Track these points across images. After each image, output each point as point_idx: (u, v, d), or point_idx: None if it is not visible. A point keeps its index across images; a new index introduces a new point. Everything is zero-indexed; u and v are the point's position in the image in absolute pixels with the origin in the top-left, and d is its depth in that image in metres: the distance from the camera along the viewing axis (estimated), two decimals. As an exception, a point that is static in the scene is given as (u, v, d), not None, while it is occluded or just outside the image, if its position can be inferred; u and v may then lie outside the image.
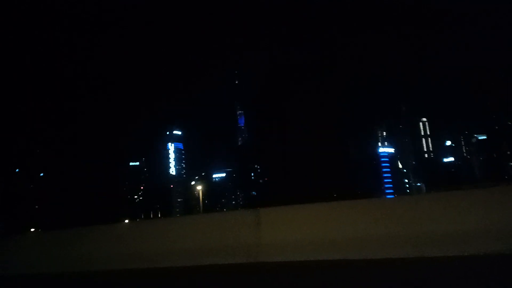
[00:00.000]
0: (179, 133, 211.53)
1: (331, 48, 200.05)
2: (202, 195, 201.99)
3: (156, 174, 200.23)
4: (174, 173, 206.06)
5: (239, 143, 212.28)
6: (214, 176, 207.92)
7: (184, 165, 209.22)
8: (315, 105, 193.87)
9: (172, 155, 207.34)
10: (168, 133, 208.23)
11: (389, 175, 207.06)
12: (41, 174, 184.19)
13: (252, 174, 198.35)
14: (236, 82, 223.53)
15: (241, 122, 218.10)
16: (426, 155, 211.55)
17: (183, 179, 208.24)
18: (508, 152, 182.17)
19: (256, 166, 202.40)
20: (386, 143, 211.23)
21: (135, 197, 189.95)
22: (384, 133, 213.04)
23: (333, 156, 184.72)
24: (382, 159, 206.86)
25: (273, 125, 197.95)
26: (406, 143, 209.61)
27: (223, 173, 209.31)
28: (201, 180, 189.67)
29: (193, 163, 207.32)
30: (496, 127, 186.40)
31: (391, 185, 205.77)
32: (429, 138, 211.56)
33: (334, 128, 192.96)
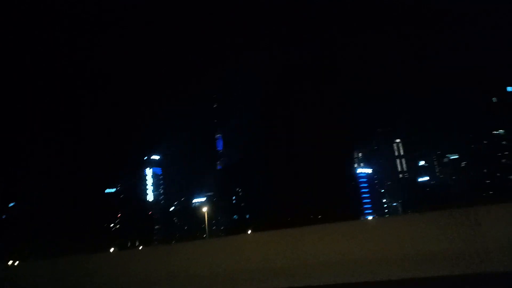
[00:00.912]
0: (157, 157, 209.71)
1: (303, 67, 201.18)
2: (180, 221, 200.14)
3: (134, 201, 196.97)
4: (152, 199, 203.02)
5: (218, 167, 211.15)
6: (194, 201, 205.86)
7: (162, 191, 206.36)
8: (299, 124, 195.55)
9: (149, 181, 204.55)
10: (146, 158, 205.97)
11: (368, 195, 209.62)
12: (11, 204, 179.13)
13: (234, 198, 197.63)
14: (215, 105, 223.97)
15: (219, 145, 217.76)
16: (401, 175, 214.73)
17: (161, 205, 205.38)
18: (485, 170, 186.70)
19: (238, 189, 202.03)
20: (362, 164, 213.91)
21: (112, 225, 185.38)
22: (360, 154, 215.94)
23: (313, 177, 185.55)
24: (361, 180, 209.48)
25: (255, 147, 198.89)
26: (381, 163, 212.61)
27: (203, 197, 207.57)
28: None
29: (172, 188, 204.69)
30: (472, 146, 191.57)
31: (370, 205, 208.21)
32: (403, 159, 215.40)
33: (314, 149, 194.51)
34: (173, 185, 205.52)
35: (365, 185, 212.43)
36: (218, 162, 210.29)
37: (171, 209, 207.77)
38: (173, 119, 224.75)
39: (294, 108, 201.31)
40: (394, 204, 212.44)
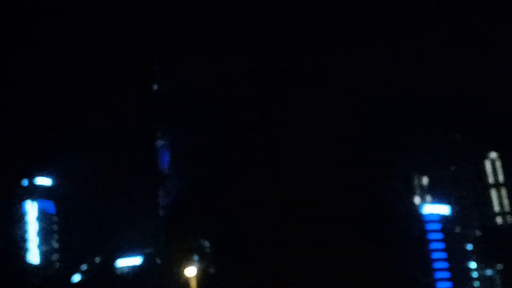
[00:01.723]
0: (48, 182, 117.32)
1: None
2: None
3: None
4: (36, 261, 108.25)
5: (163, 200, 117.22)
6: (120, 263, 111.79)
7: (58, 245, 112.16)
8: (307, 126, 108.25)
9: (33, 225, 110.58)
10: (25, 182, 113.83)
11: (445, 255, 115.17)
12: None
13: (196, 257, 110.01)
14: (156, 86, 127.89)
15: (164, 160, 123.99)
16: (500, 219, 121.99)
17: (55, 272, 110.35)
18: None
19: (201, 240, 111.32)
20: (429, 197, 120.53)
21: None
22: (424, 180, 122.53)
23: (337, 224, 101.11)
24: (430, 227, 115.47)
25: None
26: (465, 196, 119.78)
27: (136, 255, 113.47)
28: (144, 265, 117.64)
29: (77, 239, 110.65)
30: None
31: (445, 274, 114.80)
32: (503, 188, 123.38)
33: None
34: (77, 234, 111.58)
35: (437, 236, 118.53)
36: (160, 192, 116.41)
37: (76, 279, 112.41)
38: (77, 111, 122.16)
39: (280, 103, 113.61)
40: (488, 273, 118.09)
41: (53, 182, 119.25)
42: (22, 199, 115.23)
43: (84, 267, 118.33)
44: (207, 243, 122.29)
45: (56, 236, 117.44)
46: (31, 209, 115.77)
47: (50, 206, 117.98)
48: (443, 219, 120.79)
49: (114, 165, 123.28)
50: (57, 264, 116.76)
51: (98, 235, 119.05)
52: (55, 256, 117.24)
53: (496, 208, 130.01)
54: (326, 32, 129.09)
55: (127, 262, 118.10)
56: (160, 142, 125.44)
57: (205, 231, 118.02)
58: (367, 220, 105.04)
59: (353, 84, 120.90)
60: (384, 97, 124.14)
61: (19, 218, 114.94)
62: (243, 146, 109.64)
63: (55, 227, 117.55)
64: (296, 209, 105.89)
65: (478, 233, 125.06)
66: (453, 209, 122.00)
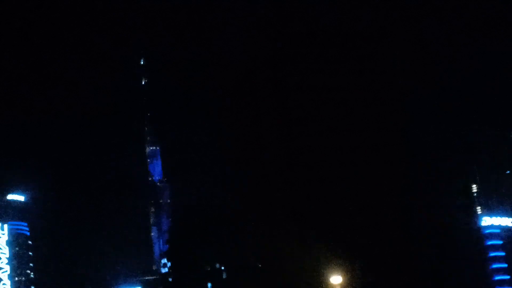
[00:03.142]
0: (21, 198, 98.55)
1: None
2: None
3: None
4: None
5: (158, 217, 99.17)
6: None
7: (32, 274, 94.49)
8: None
9: (4, 250, 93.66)
10: None
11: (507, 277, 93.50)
12: None
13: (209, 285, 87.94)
14: (144, 81, 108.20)
15: (154, 168, 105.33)
16: None
17: None
18: None
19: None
20: (484, 208, 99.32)
21: None
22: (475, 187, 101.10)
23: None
24: (490, 242, 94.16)
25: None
26: None
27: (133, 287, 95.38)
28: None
29: (54, 266, 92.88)
30: None
31: None
32: None
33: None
34: (58, 261, 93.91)
35: (501, 253, 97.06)
36: (153, 208, 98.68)
37: None
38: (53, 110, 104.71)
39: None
40: None
41: (26, 198, 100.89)
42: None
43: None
44: (222, 268, 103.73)
45: (31, 265, 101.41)
46: (1, 232, 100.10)
47: (23, 228, 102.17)
48: (506, 232, 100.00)
49: (99, 177, 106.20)
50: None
51: (83, 262, 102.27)
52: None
53: None
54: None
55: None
56: (150, 148, 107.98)
57: (219, 253, 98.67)
58: (425, 235, 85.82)
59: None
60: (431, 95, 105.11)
61: None
62: (258, 142, 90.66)
63: (28, 254, 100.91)
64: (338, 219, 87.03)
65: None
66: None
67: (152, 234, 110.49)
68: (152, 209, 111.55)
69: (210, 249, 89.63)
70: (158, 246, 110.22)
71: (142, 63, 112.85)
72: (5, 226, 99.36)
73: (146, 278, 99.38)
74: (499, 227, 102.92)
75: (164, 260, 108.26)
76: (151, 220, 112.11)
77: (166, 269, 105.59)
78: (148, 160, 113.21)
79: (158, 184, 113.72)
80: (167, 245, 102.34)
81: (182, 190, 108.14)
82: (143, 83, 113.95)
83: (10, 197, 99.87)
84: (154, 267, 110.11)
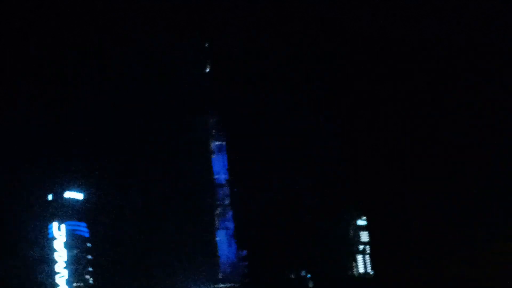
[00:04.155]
0: (79, 196, 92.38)
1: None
2: None
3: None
4: None
5: (229, 220, 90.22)
6: None
7: (92, 280, 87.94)
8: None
9: (61, 253, 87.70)
10: (51, 197, 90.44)
11: None
12: None
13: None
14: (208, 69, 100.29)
15: (218, 168, 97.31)
16: None
17: None
18: None
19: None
20: None
21: None
22: None
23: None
24: None
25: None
26: None
27: None
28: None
29: (119, 271, 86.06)
30: None
31: None
32: None
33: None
34: (117, 264, 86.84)
35: None
36: (219, 207, 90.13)
37: None
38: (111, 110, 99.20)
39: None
40: None
41: (86, 197, 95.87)
42: (47, 220, 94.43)
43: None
44: (308, 276, 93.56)
45: (90, 269, 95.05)
46: (58, 232, 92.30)
47: (82, 228, 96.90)
48: None
49: (160, 175, 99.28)
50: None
51: (143, 266, 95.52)
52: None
53: None
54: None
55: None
56: (214, 141, 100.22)
57: (304, 259, 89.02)
58: None
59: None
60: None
61: (44, 246, 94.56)
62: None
63: (88, 257, 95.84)
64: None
65: None
66: None
67: (218, 238, 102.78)
68: (218, 211, 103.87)
69: (294, 255, 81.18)
70: (226, 251, 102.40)
71: (206, 47, 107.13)
72: (62, 226, 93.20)
73: (222, 286, 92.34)
74: None
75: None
76: (216, 223, 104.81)
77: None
78: (213, 157, 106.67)
79: (223, 183, 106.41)
80: (243, 251, 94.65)
81: (252, 190, 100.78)
82: (207, 70, 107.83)
83: (68, 195, 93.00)
84: (220, 275, 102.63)
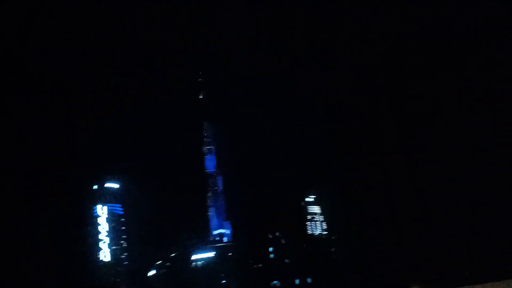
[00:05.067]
0: (116, 186, 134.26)
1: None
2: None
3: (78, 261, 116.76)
4: (108, 258, 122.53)
5: (218, 201, 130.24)
6: (194, 257, 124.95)
7: (125, 244, 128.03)
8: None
9: (104, 226, 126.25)
10: (95, 187, 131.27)
11: None
12: None
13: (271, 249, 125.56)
14: (201, 96, 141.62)
15: (209, 164, 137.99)
16: None
17: (124, 269, 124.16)
18: None
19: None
20: None
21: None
22: None
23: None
24: None
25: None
26: None
27: (208, 251, 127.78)
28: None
29: (143, 238, 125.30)
30: None
31: None
32: None
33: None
34: (143, 233, 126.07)
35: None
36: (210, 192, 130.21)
37: (150, 273, 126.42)
38: (134, 119, 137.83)
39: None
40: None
41: (120, 186, 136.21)
42: (93, 203, 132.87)
43: (159, 262, 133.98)
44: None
45: (123, 236, 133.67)
46: (102, 211, 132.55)
47: (118, 209, 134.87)
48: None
49: (172, 170, 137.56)
50: (125, 262, 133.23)
51: (164, 232, 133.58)
52: (123, 254, 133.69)
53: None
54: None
55: (201, 256, 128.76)
56: (207, 147, 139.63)
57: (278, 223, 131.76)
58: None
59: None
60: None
61: (92, 221, 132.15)
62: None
63: (122, 228, 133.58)
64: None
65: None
66: None
67: (209, 213, 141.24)
68: (209, 194, 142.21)
69: (273, 222, 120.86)
70: (215, 222, 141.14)
71: (200, 80, 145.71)
72: (104, 207, 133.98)
73: (218, 245, 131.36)
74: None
75: (220, 231, 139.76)
76: (208, 203, 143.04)
77: (225, 239, 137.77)
78: (206, 157, 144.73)
79: (213, 174, 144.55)
80: (229, 221, 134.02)
81: (234, 179, 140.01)
82: (200, 96, 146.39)
83: (107, 185, 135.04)
84: (211, 238, 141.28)
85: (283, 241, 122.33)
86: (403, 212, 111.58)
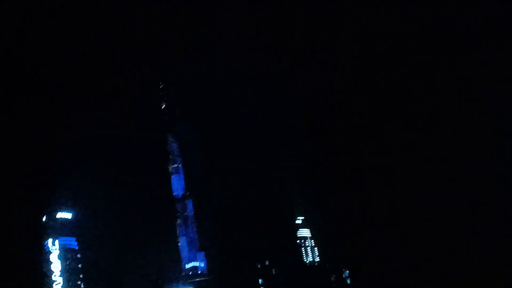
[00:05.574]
0: (68, 216, 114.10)
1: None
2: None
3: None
4: None
5: (188, 228, 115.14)
6: None
7: (82, 283, 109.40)
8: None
9: (56, 264, 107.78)
10: (45, 218, 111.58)
11: None
12: None
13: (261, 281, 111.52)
14: (163, 105, 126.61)
15: (177, 185, 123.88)
16: None
17: None
18: None
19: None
20: None
21: None
22: None
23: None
24: None
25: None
26: None
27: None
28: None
29: (105, 278, 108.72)
30: None
31: None
32: None
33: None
34: (103, 269, 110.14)
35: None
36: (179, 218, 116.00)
37: None
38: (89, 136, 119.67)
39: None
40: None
41: (74, 215, 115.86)
42: (42, 237, 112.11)
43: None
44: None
45: (81, 276, 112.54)
46: (53, 247, 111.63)
47: (72, 242, 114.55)
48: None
49: (130, 194, 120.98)
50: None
51: (123, 270, 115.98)
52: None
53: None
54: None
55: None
56: (172, 166, 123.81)
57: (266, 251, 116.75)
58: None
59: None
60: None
61: (43, 260, 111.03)
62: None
63: (79, 266, 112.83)
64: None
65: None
66: None
67: (180, 244, 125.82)
68: (179, 221, 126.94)
69: (260, 249, 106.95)
70: (186, 254, 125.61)
71: (161, 87, 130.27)
72: (56, 242, 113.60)
73: (197, 279, 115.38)
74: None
75: (193, 264, 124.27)
76: (178, 231, 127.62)
77: (199, 271, 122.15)
78: (172, 177, 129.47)
79: (181, 197, 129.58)
80: (203, 251, 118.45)
81: (206, 200, 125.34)
82: (163, 107, 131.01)
83: (59, 215, 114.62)
84: (183, 273, 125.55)
85: (273, 271, 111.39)
86: (405, 215, 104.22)
